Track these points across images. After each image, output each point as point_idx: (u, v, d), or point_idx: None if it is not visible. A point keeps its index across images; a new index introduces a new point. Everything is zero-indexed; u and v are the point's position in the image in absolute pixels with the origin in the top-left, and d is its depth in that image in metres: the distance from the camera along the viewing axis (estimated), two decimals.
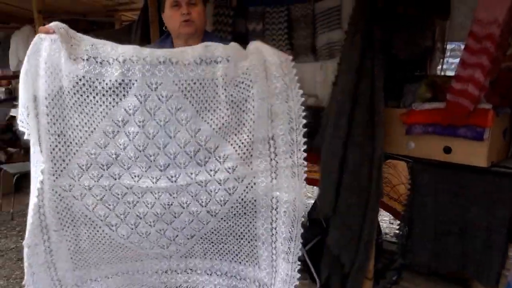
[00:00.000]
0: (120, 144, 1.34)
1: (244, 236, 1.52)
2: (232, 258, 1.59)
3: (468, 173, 1.93)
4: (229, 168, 1.39)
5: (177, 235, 1.50)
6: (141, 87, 1.28)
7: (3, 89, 6.18)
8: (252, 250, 1.54)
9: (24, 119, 1.36)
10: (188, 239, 1.53)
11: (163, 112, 1.30)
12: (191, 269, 1.62)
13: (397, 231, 2.17)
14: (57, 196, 1.37)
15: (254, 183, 1.43)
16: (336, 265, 2.12)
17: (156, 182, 1.39)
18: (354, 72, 1.96)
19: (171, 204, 1.42)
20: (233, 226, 1.50)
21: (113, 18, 5.13)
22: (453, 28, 2.37)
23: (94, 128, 1.33)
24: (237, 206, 1.45)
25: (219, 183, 1.40)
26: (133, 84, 1.28)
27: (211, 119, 1.35)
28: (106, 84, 1.27)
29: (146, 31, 3.01)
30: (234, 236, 1.52)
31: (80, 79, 1.27)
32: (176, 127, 1.33)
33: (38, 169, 1.35)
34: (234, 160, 1.39)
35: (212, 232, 1.52)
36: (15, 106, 5.00)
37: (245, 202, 1.44)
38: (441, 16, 2.19)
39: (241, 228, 1.51)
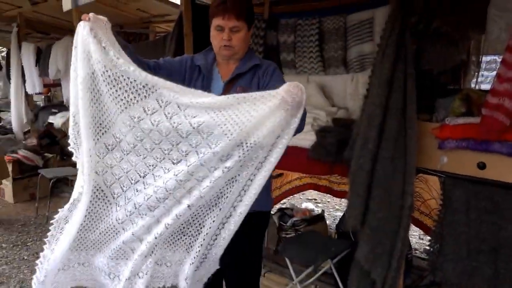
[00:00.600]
0: (138, 137, 1.44)
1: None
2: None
3: (503, 190, 1.87)
4: (225, 168, 1.40)
5: (163, 234, 1.53)
6: (163, 94, 1.36)
7: (43, 96, 6.45)
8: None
9: (74, 133, 1.50)
10: (174, 240, 1.59)
11: (179, 117, 1.37)
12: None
13: (427, 247, 2.13)
14: (90, 163, 1.49)
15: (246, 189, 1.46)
16: (365, 280, 2.10)
17: (167, 172, 1.45)
18: (385, 85, 1.95)
19: (166, 199, 1.47)
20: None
21: (148, 29, 5.29)
22: (489, 42, 2.33)
23: (116, 118, 1.44)
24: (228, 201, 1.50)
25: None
26: (156, 90, 1.36)
27: (225, 125, 1.36)
28: (131, 82, 1.36)
29: (180, 43, 3.08)
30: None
31: (107, 70, 1.36)
32: (188, 130, 1.38)
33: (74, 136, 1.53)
34: (235, 164, 1.40)
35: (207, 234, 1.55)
36: (54, 114, 5.21)
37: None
38: (477, 30, 2.15)
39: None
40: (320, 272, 2.61)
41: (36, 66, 5.19)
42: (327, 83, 3.13)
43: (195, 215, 1.55)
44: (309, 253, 2.53)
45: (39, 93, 5.71)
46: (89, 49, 1.38)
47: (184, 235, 1.58)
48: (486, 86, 2.74)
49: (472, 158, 1.94)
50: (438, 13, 2.05)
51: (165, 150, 1.44)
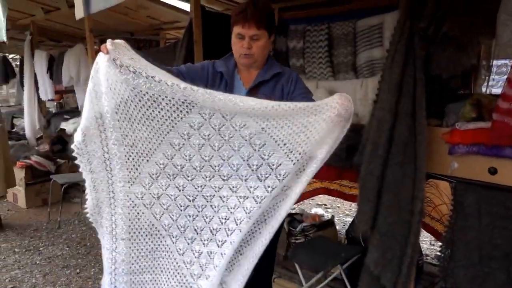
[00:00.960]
0: (186, 156, 1.42)
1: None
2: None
3: None
4: (284, 187, 1.42)
5: (216, 266, 1.52)
6: (205, 107, 1.34)
7: (55, 103, 6.53)
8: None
9: (79, 142, 1.50)
10: (229, 272, 1.55)
11: (227, 128, 1.36)
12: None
13: (438, 253, 2.11)
14: (130, 203, 1.48)
15: (289, 196, 1.46)
16: (375, 286, 2.08)
17: (218, 191, 1.45)
18: (395, 90, 1.95)
19: (228, 219, 1.46)
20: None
21: (158, 36, 5.34)
22: (499, 46, 2.31)
23: (162, 140, 1.41)
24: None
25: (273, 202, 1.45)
26: (195, 103, 1.34)
27: (277, 135, 1.37)
28: (170, 101, 1.34)
29: (190, 50, 3.11)
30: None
31: (144, 95, 1.34)
32: (240, 142, 1.38)
33: (104, 180, 1.48)
34: (291, 176, 1.41)
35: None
36: (66, 120, 5.28)
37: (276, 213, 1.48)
38: (486, 35, 2.14)
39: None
40: (330, 278, 2.60)
41: (47, 73, 5.27)
42: (336, 89, 3.13)
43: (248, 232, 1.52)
44: (318, 258, 2.52)
45: (52, 100, 5.79)
46: (115, 79, 1.35)
47: (240, 254, 1.55)
48: (497, 90, 2.72)
49: (483, 164, 1.93)
50: (448, 18, 2.04)
51: (215, 166, 1.42)
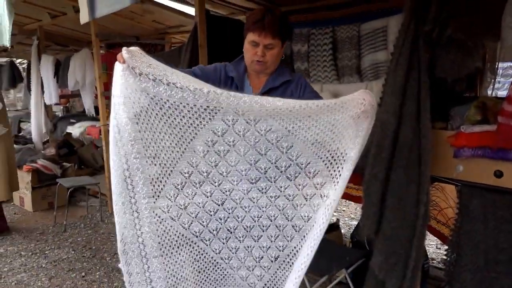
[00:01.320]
0: (212, 162, 1.40)
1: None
2: None
3: None
4: (317, 184, 1.42)
5: (262, 257, 1.53)
6: (228, 112, 1.32)
7: (62, 107, 6.58)
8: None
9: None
10: (271, 261, 1.55)
11: (252, 133, 1.34)
12: None
13: (444, 257, 2.10)
14: (157, 219, 1.44)
15: (332, 206, 1.41)
16: None
17: (247, 193, 1.44)
18: (399, 93, 1.94)
19: (260, 217, 1.47)
20: (313, 247, 1.45)
21: (163, 40, 5.37)
22: (505, 49, 2.30)
23: (185, 148, 1.38)
24: (318, 226, 1.44)
25: (305, 198, 1.44)
26: (218, 110, 1.31)
27: (305, 136, 1.36)
28: (192, 108, 1.30)
29: (195, 53, 3.12)
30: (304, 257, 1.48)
31: (165, 102, 1.30)
32: (266, 146, 1.37)
33: (126, 201, 1.40)
34: (324, 176, 1.41)
35: (294, 255, 1.52)
36: (72, 124, 5.31)
37: (322, 222, 1.42)
38: (491, 38, 2.13)
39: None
40: (334, 282, 2.59)
41: (54, 77, 5.31)
42: (341, 92, 3.13)
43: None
44: (323, 262, 2.51)
45: (58, 104, 5.83)
46: (135, 88, 1.30)
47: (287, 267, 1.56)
48: (503, 93, 2.71)
49: (488, 167, 1.91)
50: (452, 21, 2.04)
51: (242, 171, 1.41)
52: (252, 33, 1.64)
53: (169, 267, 1.51)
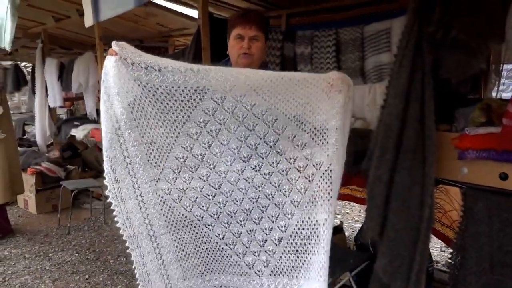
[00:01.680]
0: (205, 143, 1.44)
1: (323, 239, 1.50)
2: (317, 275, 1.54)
3: None
4: (308, 155, 1.45)
5: (266, 240, 1.55)
6: (216, 91, 1.37)
7: (66, 110, 6.60)
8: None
9: (107, 158, 1.46)
10: (276, 244, 1.55)
11: (240, 109, 1.39)
12: None
13: (449, 260, 2.08)
14: (160, 199, 1.51)
15: (331, 170, 1.46)
16: None
17: (242, 173, 1.47)
18: (403, 95, 1.94)
19: (258, 197, 1.49)
20: (314, 224, 1.50)
21: (167, 43, 5.38)
22: (510, 50, 2.29)
23: (179, 133, 1.44)
24: (317, 196, 1.48)
25: (298, 170, 1.46)
26: (208, 89, 1.37)
27: (286, 109, 1.42)
28: (183, 90, 1.37)
29: (198, 56, 3.13)
30: (314, 240, 1.51)
31: (157, 89, 1.37)
32: (253, 121, 1.41)
33: (130, 186, 1.48)
34: (312, 147, 1.45)
35: (296, 235, 1.52)
36: (76, 126, 5.33)
37: (322, 190, 1.47)
38: (496, 39, 2.12)
39: (321, 228, 1.50)
40: (338, 285, 2.58)
41: (58, 80, 5.33)
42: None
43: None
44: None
45: (62, 107, 5.85)
46: (128, 78, 1.36)
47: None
48: (507, 95, 2.69)
49: (493, 169, 1.90)
50: (456, 22, 2.03)
51: (234, 149, 1.45)
52: (237, 27, 1.73)
53: (178, 242, 1.57)
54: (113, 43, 1.40)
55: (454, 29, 1.96)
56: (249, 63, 1.76)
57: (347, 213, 4.93)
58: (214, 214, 1.53)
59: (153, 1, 3.71)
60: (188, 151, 1.45)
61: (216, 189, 1.50)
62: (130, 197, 1.50)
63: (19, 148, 4.72)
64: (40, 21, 4.99)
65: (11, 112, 4.38)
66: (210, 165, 1.47)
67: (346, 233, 3.67)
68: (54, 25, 4.93)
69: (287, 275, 1.58)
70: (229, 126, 1.42)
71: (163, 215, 1.52)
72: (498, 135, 1.84)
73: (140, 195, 1.49)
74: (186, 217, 1.54)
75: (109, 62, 1.39)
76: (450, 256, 2.07)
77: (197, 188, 1.50)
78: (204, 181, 1.49)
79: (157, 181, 1.49)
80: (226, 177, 1.48)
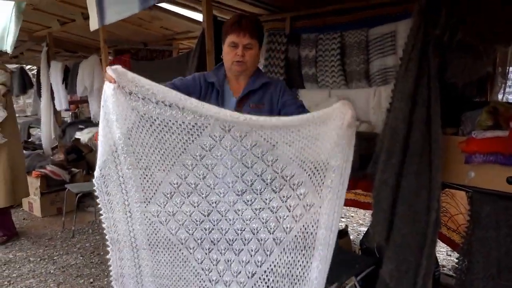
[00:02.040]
0: (200, 174, 1.45)
1: (298, 279, 1.51)
2: None
3: None
4: (300, 195, 1.44)
5: (240, 271, 1.55)
6: (215, 129, 1.37)
7: (71, 113, 6.62)
8: None
9: (98, 177, 1.53)
10: (248, 277, 1.56)
11: (238, 148, 1.39)
12: None
13: (455, 264, 2.06)
14: (147, 221, 1.54)
15: (319, 214, 1.46)
16: None
17: (233, 205, 1.47)
18: (409, 98, 1.93)
19: (243, 230, 1.50)
20: (291, 264, 1.50)
21: (171, 46, 5.39)
22: None
23: (174, 162, 1.45)
24: (299, 236, 1.47)
25: (288, 209, 1.46)
26: (206, 127, 1.37)
27: (289, 150, 1.40)
28: (180, 125, 1.37)
29: (203, 59, 3.12)
30: (289, 279, 1.52)
31: (154, 120, 1.38)
32: (252, 160, 1.41)
33: (120, 201, 1.53)
34: (307, 187, 1.44)
35: (271, 271, 1.53)
36: (80, 129, 5.34)
37: (307, 233, 1.47)
38: (502, 42, 2.11)
39: (297, 269, 1.51)
40: None
41: (63, 83, 5.35)
42: (349, 97, 3.11)
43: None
44: (333, 269, 2.48)
45: (67, 110, 5.87)
46: (126, 106, 1.38)
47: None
48: None
49: (501, 173, 1.88)
50: (462, 25, 2.02)
51: (229, 183, 1.45)
52: (231, 35, 1.74)
53: (155, 261, 1.61)
54: (108, 69, 1.38)
55: (460, 32, 1.95)
56: (242, 70, 1.77)
57: (352, 216, 4.91)
58: (198, 239, 1.55)
59: (158, 4, 3.72)
60: (182, 179, 1.47)
61: (205, 216, 1.51)
62: (119, 210, 1.55)
63: (24, 151, 4.72)
64: (46, 25, 5.02)
65: (16, 115, 4.39)
66: (202, 194, 1.49)
67: (351, 237, 3.65)
68: (59, 29, 4.95)
69: None
70: (226, 162, 1.42)
71: (147, 234, 1.56)
72: (506, 139, 1.83)
73: (129, 211, 1.54)
74: (169, 240, 1.57)
75: (108, 89, 1.39)
76: (456, 261, 2.06)
77: (187, 212, 1.52)
78: (195, 207, 1.51)
79: (147, 204, 1.52)
80: (216, 207, 1.50)
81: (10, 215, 4.28)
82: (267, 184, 1.44)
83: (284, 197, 1.46)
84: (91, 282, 3.24)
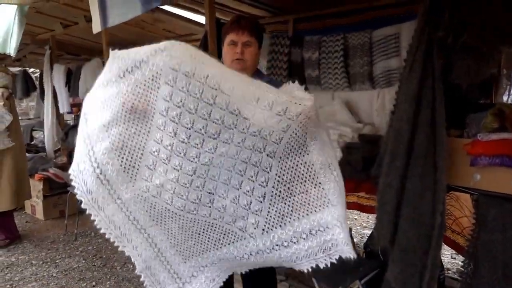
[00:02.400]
0: (171, 132, 1.36)
1: (303, 175, 1.48)
2: (307, 210, 1.50)
3: None
4: (280, 111, 1.37)
5: (250, 201, 1.49)
6: (167, 72, 1.30)
7: (73, 115, 6.63)
8: (319, 189, 1.49)
9: (80, 180, 1.48)
10: (261, 201, 1.50)
11: (194, 85, 1.30)
12: (277, 245, 1.53)
13: (460, 268, 2.04)
14: (140, 198, 1.47)
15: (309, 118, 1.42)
16: None
17: (215, 151, 1.39)
18: (413, 100, 1.91)
19: (235, 165, 1.43)
20: (293, 167, 1.47)
21: None
22: None
23: (150, 127, 1.39)
24: (292, 140, 1.43)
25: (272, 127, 1.39)
26: (160, 74, 1.31)
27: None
28: (143, 84, 1.34)
29: None
30: (298, 181, 1.48)
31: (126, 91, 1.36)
32: (212, 93, 1.31)
33: (105, 193, 1.46)
34: (283, 104, 1.38)
35: (278, 183, 1.48)
36: None
37: (298, 136, 1.43)
38: (507, 44, 2.10)
39: (300, 168, 1.47)
40: None
41: (65, 86, 5.35)
42: (352, 99, 3.10)
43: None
44: (337, 273, 2.46)
45: (70, 112, 5.88)
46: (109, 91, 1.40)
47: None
48: None
49: (507, 175, 1.87)
50: (467, 27, 2.01)
51: (200, 129, 1.35)
52: (230, 33, 1.77)
53: (167, 231, 1.57)
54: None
55: (465, 33, 1.94)
56: (242, 68, 1.75)
57: (355, 219, 4.89)
58: (195, 200, 1.48)
59: (160, 7, 3.72)
60: (159, 144, 1.39)
61: (191, 176, 1.42)
62: (108, 204, 1.47)
63: (26, 154, 4.72)
64: (48, 28, 5.03)
65: (19, 118, 4.39)
66: (180, 153, 1.39)
67: (355, 240, 3.64)
68: (62, 32, 4.96)
69: (279, 226, 1.52)
70: (188, 107, 1.32)
71: (146, 211, 1.51)
72: (511, 141, 1.81)
73: (118, 198, 1.46)
74: (168, 210, 1.50)
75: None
76: (462, 264, 2.04)
77: (173, 179, 1.43)
78: (178, 170, 1.41)
79: (133, 182, 1.45)
80: (199, 161, 1.40)
81: (12, 218, 4.28)
82: (236, 115, 1.34)
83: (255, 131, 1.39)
84: (94, 286, 3.22)
